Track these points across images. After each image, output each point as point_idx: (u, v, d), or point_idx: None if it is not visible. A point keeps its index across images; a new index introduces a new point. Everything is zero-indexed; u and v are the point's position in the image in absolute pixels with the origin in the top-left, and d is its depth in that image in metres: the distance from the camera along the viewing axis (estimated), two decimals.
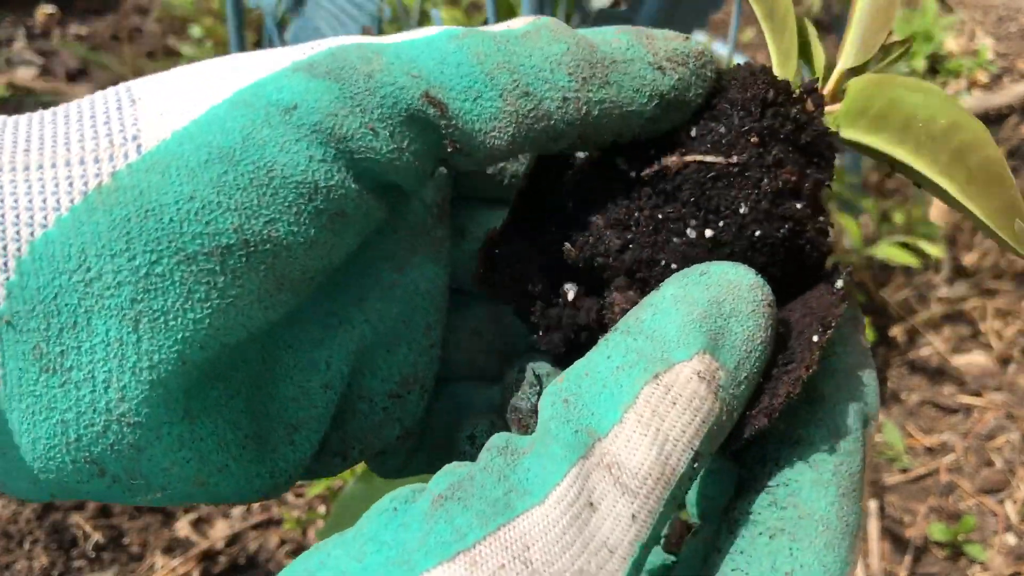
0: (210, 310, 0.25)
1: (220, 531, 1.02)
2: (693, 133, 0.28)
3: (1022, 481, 1.09)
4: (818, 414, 0.27)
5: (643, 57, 0.27)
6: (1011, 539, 1.05)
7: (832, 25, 1.34)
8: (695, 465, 0.24)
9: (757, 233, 0.27)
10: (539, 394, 0.29)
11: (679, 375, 0.24)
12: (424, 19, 1.47)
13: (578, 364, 0.25)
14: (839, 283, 0.27)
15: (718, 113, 0.28)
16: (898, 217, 1.28)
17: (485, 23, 1.61)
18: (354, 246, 0.27)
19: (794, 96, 0.29)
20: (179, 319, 0.25)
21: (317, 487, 0.98)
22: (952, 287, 1.30)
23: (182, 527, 1.03)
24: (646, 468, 0.24)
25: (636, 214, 0.28)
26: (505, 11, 1.44)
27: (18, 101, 1.61)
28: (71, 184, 0.25)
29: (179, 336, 0.25)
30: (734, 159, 0.27)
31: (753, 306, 0.26)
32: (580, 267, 0.28)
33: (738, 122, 0.27)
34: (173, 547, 1.00)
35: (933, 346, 1.24)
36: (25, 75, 1.67)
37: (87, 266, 0.24)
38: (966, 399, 1.18)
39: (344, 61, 0.26)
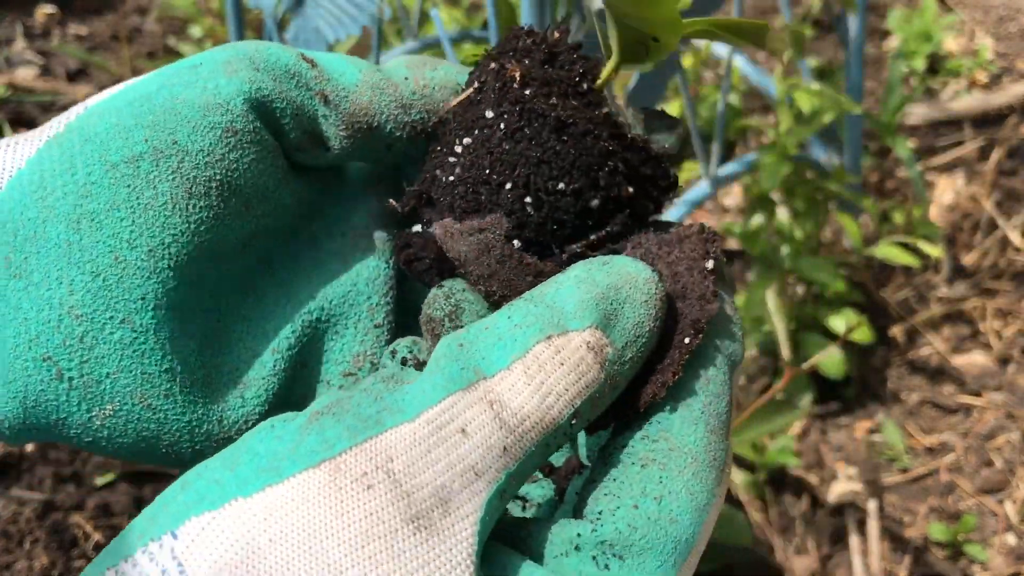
0: (131, 210, 0.30)
1: None
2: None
3: (1022, 481, 1.09)
4: (690, 363, 0.30)
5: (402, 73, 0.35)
6: (1011, 539, 1.05)
7: (832, 25, 1.34)
8: (573, 422, 0.28)
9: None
10: (454, 306, 0.32)
11: (571, 341, 0.28)
12: (424, 19, 1.47)
13: (481, 320, 0.29)
14: (710, 264, 0.31)
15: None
16: (898, 217, 1.28)
17: (485, 24, 1.61)
18: (262, 182, 0.32)
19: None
20: (108, 217, 0.30)
21: None
22: (952, 287, 1.30)
23: None
24: (526, 410, 0.27)
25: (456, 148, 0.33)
26: (505, 11, 1.44)
27: (18, 101, 1.61)
28: (40, 138, 0.32)
29: (110, 232, 0.30)
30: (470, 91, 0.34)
31: (646, 297, 0.29)
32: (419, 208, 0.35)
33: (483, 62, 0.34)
34: None
35: (933, 346, 1.24)
36: (25, 75, 1.67)
37: (44, 184, 0.31)
38: (966, 399, 1.18)
39: (248, 45, 0.33)
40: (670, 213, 0.98)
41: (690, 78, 1.38)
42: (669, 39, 0.33)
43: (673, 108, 1.40)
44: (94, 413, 0.31)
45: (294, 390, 0.34)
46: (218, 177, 0.31)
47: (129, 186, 0.30)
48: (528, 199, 0.32)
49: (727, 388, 0.31)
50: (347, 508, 0.25)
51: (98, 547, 0.99)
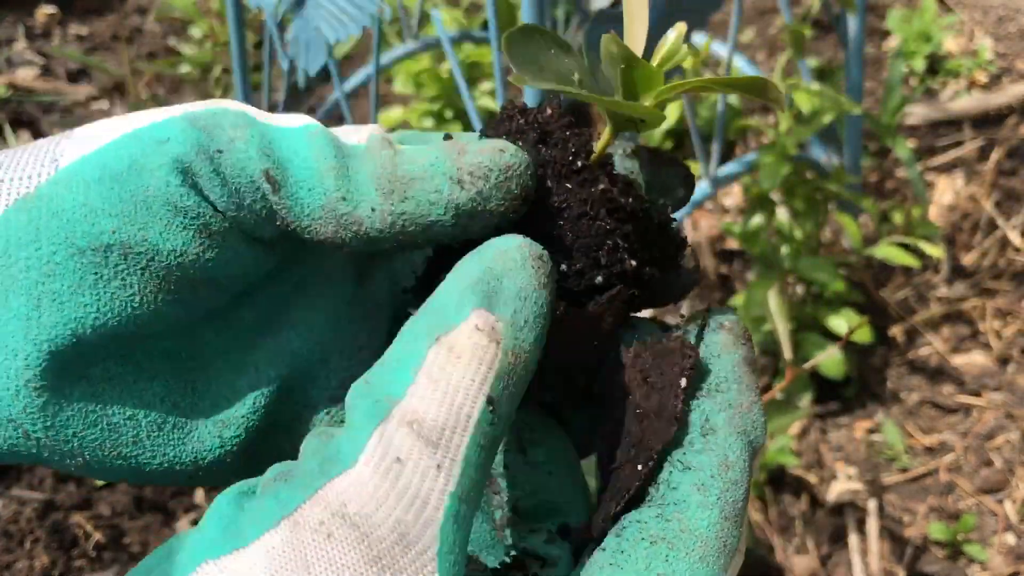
0: (97, 297, 0.30)
1: None
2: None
3: (1021, 481, 1.09)
4: (711, 444, 0.30)
5: (444, 172, 0.31)
6: (1010, 539, 1.05)
7: (832, 25, 1.34)
8: (491, 409, 0.27)
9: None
10: None
11: (460, 333, 0.27)
12: (424, 19, 1.47)
13: (382, 358, 0.28)
14: (683, 382, 0.31)
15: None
16: (897, 217, 1.28)
17: (485, 24, 1.61)
18: (244, 266, 0.32)
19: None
20: (71, 301, 0.30)
21: None
22: (951, 287, 1.30)
23: (182, 527, 1.03)
24: (442, 419, 0.26)
25: None
26: (505, 12, 1.44)
27: (19, 101, 1.61)
28: (9, 194, 0.30)
29: (71, 316, 0.30)
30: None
31: (521, 261, 0.29)
32: None
33: None
34: None
35: (932, 346, 1.24)
36: (26, 75, 1.67)
37: (8, 253, 0.30)
38: (965, 399, 1.18)
39: (219, 120, 0.31)
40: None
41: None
42: (655, 122, 0.34)
43: (673, 108, 1.40)
44: (67, 463, 0.32)
45: (276, 418, 0.34)
46: (191, 274, 0.31)
47: (96, 274, 0.30)
48: None
49: (746, 475, 0.31)
50: (311, 561, 0.25)
51: (98, 547, 0.99)
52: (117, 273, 0.30)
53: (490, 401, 0.27)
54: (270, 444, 0.34)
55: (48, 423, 0.30)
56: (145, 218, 0.30)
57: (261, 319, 0.34)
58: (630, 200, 0.33)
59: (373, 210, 0.31)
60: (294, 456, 0.32)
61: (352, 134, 0.32)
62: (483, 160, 0.31)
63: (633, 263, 0.33)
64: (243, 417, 0.33)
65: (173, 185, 0.30)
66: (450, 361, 0.27)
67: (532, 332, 0.29)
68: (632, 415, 0.32)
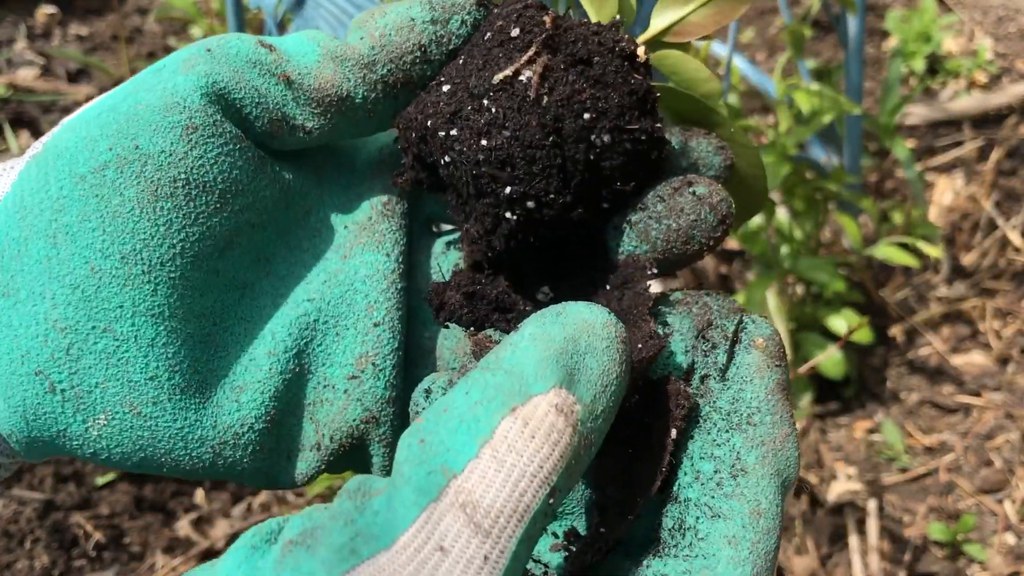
0: (101, 219, 0.31)
1: (221, 530, 1.02)
2: None
3: (1021, 480, 1.09)
4: (741, 487, 0.28)
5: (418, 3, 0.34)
6: (1010, 538, 1.05)
7: (832, 25, 1.34)
8: (551, 501, 0.25)
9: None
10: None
11: (537, 408, 0.25)
12: None
13: (438, 401, 0.26)
14: (680, 412, 0.29)
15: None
16: (897, 217, 1.28)
17: None
18: (233, 175, 0.32)
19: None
20: (81, 229, 0.31)
21: (318, 486, 0.99)
22: (951, 287, 1.30)
23: (182, 526, 1.03)
24: (499, 505, 0.24)
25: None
26: None
27: (19, 101, 1.61)
28: (26, 158, 0.33)
29: (84, 243, 0.31)
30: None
31: (607, 343, 0.27)
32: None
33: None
34: (173, 547, 1.00)
35: (932, 346, 1.24)
36: (26, 75, 1.67)
37: (23, 203, 0.32)
38: (965, 399, 1.18)
39: (217, 38, 0.33)
40: None
41: None
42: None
43: None
44: (89, 424, 0.31)
45: (295, 393, 0.33)
46: (183, 176, 0.31)
47: (97, 196, 0.31)
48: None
49: (779, 521, 0.28)
50: None
51: (98, 546, 0.99)
52: (115, 188, 0.31)
53: (552, 492, 0.25)
54: (290, 426, 0.33)
55: (73, 368, 0.31)
56: (136, 128, 0.31)
57: (278, 288, 0.34)
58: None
59: (362, 38, 0.33)
60: (315, 437, 0.33)
61: None
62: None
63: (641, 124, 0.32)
64: (259, 382, 0.32)
65: (168, 90, 0.31)
66: (522, 439, 0.25)
67: (605, 423, 0.27)
68: (624, 452, 0.30)
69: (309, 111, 0.33)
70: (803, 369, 0.85)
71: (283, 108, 0.33)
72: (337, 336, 0.34)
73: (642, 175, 0.33)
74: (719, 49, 1.33)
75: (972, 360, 1.22)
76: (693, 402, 0.30)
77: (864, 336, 1.14)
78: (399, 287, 0.34)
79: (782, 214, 1.17)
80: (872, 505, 1.07)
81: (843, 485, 1.08)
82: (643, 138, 0.32)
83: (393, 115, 0.34)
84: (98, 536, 1.00)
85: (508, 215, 0.32)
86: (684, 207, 0.32)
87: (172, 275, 0.31)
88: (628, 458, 0.30)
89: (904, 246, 1.16)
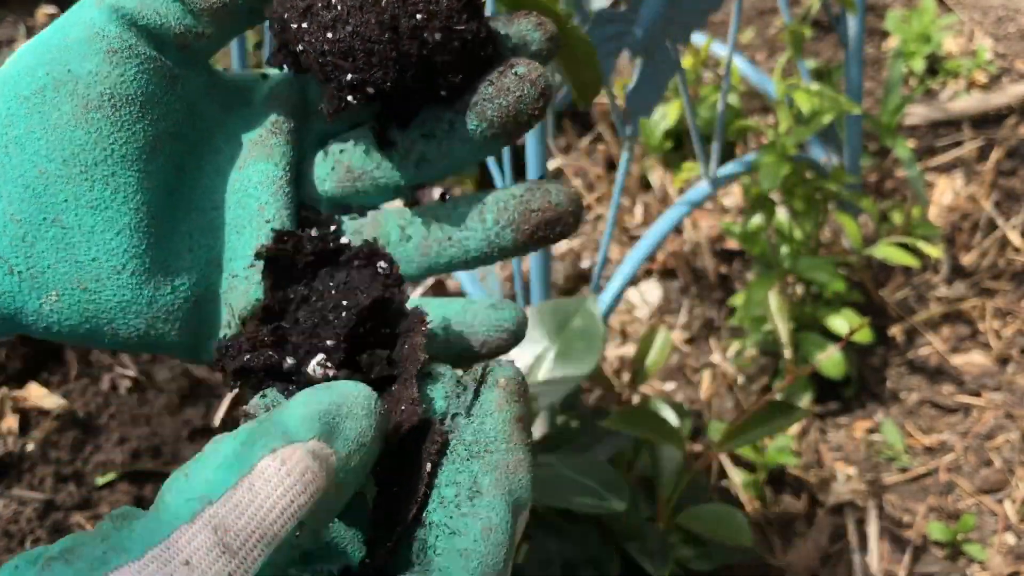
0: (44, 131, 0.38)
1: None
2: None
3: (1021, 480, 1.09)
4: (476, 507, 0.33)
5: None
6: (1010, 538, 1.05)
7: (831, 25, 1.34)
8: (297, 534, 0.29)
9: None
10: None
11: (295, 451, 0.29)
12: None
13: (211, 443, 0.30)
14: (434, 447, 0.35)
15: None
16: (897, 217, 1.28)
17: None
18: (149, 89, 0.39)
19: None
20: (28, 139, 0.38)
21: None
22: (951, 287, 1.30)
23: None
24: (249, 529, 0.28)
25: None
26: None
27: None
28: None
29: (32, 151, 0.38)
30: None
31: (366, 411, 0.31)
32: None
33: None
34: None
35: (932, 346, 1.24)
36: None
37: None
38: (965, 399, 1.18)
39: None
40: (671, 213, 0.98)
41: (690, 78, 1.38)
42: None
43: (673, 108, 1.40)
44: (42, 300, 0.39)
45: (212, 282, 0.42)
46: (108, 91, 0.39)
47: (40, 112, 0.38)
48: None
49: (509, 536, 0.33)
50: None
51: None
52: (54, 105, 0.38)
53: (300, 526, 0.29)
54: (209, 310, 0.42)
55: (28, 253, 0.39)
56: (67, 57, 0.39)
57: (191, 194, 0.42)
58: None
59: None
60: (228, 319, 0.41)
61: None
62: None
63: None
64: (184, 271, 0.41)
65: (87, 22, 0.39)
66: (278, 475, 0.28)
67: (356, 476, 0.31)
68: (391, 492, 0.35)
69: (203, 20, 0.40)
70: (803, 371, 0.85)
71: (183, 22, 0.40)
72: (238, 234, 0.42)
73: (475, 68, 0.40)
74: (719, 49, 1.33)
75: (972, 360, 1.22)
76: (445, 438, 0.35)
77: (864, 336, 1.14)
78: (287, 191, 0.42)
79: (782, 214, 1.17)
80: (872, 505, 1.07)
81: (843, 485, 1.08)
82: (470, 38, 0.39)
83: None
84: None
85: (350, 99, 0.39)
86: (509, 86, 0.39)
87: (105, 174, 0.39)
88: (394, 497, 0.35)
89: (904, 246, 1.16)
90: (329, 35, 0.38)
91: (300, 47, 0.39)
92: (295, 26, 0.39)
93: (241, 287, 0.41)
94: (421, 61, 0.38)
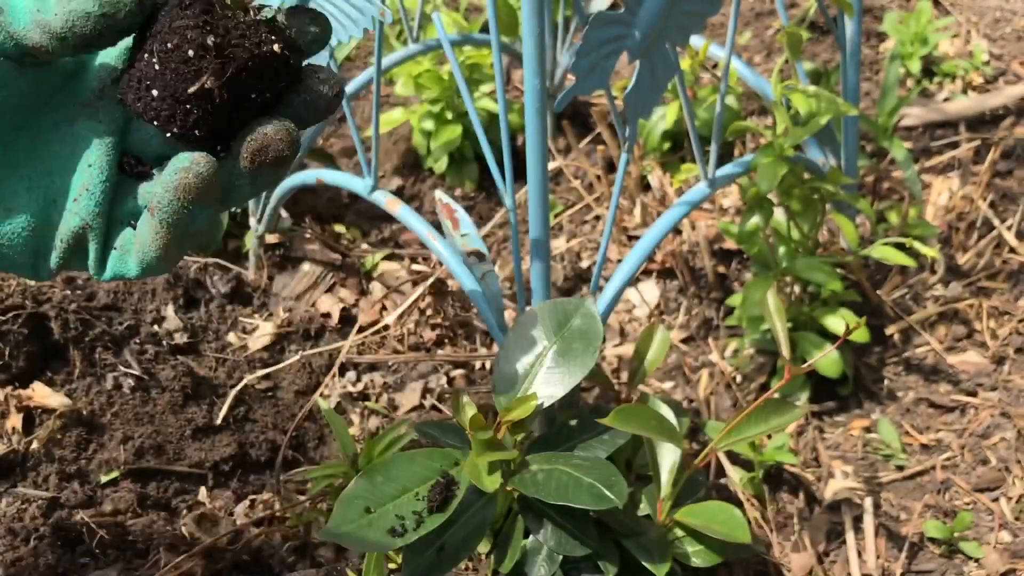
0: None
1: (224, 528, 1.03)
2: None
3: (1018, 479, 1.10)
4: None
5: None
6: (1006, 536, 1.06)
7: (829, 28, 1.35)
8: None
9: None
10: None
11: None
12: (425, 21, 1.48)
13: None
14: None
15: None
16: (893, 218, 1.29)
17: (485, 27, 1.62)
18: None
19: None
20: None
21: (318, 486, 1.00)
22: (947, 287, 1.31)
23: (186, 524, 1.04)
24: None
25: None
26: (505, 13, 1.45)
27: None
28: None
29: None
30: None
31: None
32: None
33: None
34: (177, 544, 1.01)
35: (928, 345, 1.25)
36: None
37: None
38: (961, 398, 1.19)
39: None
40: (670, 214, 0.99)
41: (688, 80, 1.39)
42: None
43: (672, 110, 1.41)
44: None
45: (47, 215, 0.52)
46: None
47: None
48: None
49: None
50: None
51: (102, 544, 1.00)
52: None
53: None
54: (45, 237, 0.52)
55: None
56: None
57: (34, 147, 0.52)
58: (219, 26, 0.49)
59: (56, 14, 0.48)
60: (61, 238, 0.53)
61: None
62: None
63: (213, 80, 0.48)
64: (23, 207, 0.51)
65: None
66: None
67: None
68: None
69: (32, 55, 0.49)
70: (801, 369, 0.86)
71: (18, 48, 0.49)
72: (66, 176, 0.52)
73: (287, 82, 0.51)
74: (717, 51, 1.34)
75: (968, 359, 1.23)
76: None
77: (861, 335, 1.14)
78: (108, 142, 0.52)
79: (779, 214, 1.18)
80: (869, 503, 1.07)
81: (840, 483, 1.09)
82: (279, 72, 0.50)
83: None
84: (102, 533, 1.00)
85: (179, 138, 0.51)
86: (313, 88, 0.52)
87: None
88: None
89: (900, 246, 1.17)
90: (154, 92, 0.49)
91: (138, 104, 0.50)
92: (133, 83, 0.50)
93: (68, 217, 0.52)
94: (236, 101, 0.49)
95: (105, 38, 0.49)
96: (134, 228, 0.52)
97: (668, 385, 1.23)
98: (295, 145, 0.50)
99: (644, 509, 0.92)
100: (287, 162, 0.50)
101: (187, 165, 0.48)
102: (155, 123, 0.49)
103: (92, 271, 0.53)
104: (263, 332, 1.22)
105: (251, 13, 0.50)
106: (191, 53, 0.48)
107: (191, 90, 0.48)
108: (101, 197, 0.51)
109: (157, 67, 0.48)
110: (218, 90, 0.48)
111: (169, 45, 0.48)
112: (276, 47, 0.50)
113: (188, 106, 0.48)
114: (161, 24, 0.49)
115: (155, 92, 0.49)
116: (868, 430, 1.17)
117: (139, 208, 0.53)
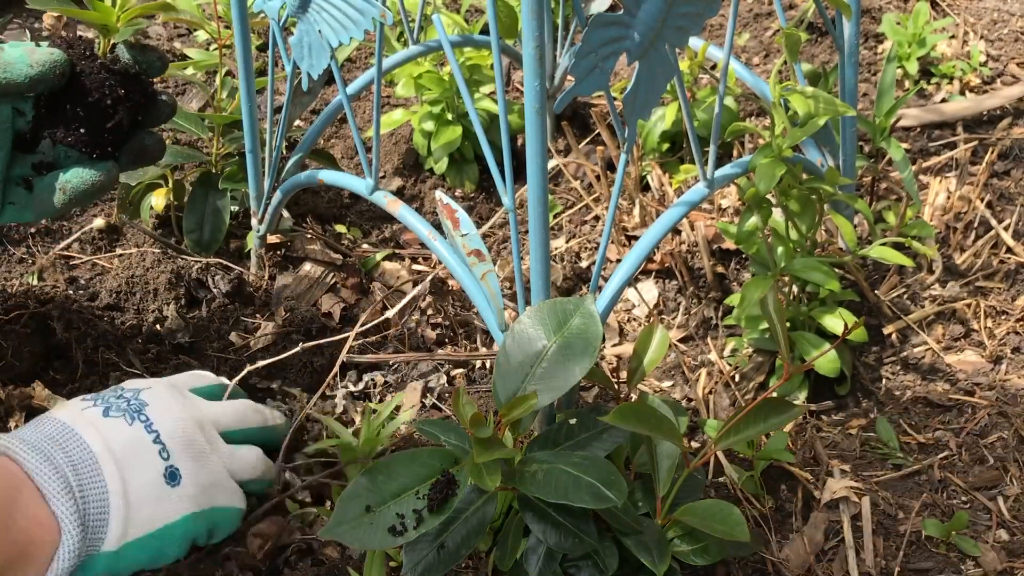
0: None
1: None
2: None
3: (1015, 478, 1.10)
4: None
5: (25, 61, 0.86)
6: (1004, 535, 1.06)
7: (827, 29, 1.36)
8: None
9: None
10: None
11: None
12: (425, 22, 1.49)
13: None
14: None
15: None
16: (891, 218, 1.30)
17: (485, 29, 1.62)
18: None
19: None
20: None
21: (315, 448, 1.00)
22: (945, 287, 1.31)
23: None
24: None
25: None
26: (505, 15, 1.45)
27: None
28: None
29: None
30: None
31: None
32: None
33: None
34: None
35: (926, 344, 1.26)
36: None
37: None
38: (959, 397, 1.20)
39: None
40: (669, 214, 1.00)
41: (687, 81, 1.40)
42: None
43: (670, 111, 1.41)
44: None
45: None
46: None
47: None
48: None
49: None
50: None
51: None
52: None
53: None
54: None
55: None
56: None
57: None
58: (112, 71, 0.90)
59: (27, 65, 0.80)
60: None
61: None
62: (45, 54, 0.87)
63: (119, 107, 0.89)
64: None
65: None
66: None
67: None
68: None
69: None
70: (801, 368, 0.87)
71: None
72: None
73: (146, 103, 0.92)
74: (715, 52, 1.34)
75: (966, 358, 1.24)
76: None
77: (859, 335, 1.15)
78: (6, 127, 0.86)
79: (778, 215, 1.18)
80: (867, 501, 1.08)
81: (838, 482, 1.10)
82: (140, 103, 0.92)
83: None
84: None
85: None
86: (161, 108, 0.93)
87: None
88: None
89: (898, 246, 1.18)
90: (82, 130, 0.88)
91: (59, 138, 0.89)
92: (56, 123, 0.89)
93: None
94: (111, 123, 0.89)
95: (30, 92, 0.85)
96: (24, 189, 0.89)
97: (667, 384, 1.24)
98: (161, 144, 0.89)
99: (643, 508, 0.92)
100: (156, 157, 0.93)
101: (102, 176, 0.87)
102: (82, 149, 0.88)
103: None
104: (265, 331, 1.23)
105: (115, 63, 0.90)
106: (109, 102, 0.88)
107: (108, 125, 0.88)
108: (2, 165, 0.86)
109: (81, 113, 0.87)
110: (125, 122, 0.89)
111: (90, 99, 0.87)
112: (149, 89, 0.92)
113: (106, 135, 0.87)
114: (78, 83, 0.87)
115: (83, 130, 0.87)
116: (866, 429, 1.18)
117: (27, 174, 0.90)
